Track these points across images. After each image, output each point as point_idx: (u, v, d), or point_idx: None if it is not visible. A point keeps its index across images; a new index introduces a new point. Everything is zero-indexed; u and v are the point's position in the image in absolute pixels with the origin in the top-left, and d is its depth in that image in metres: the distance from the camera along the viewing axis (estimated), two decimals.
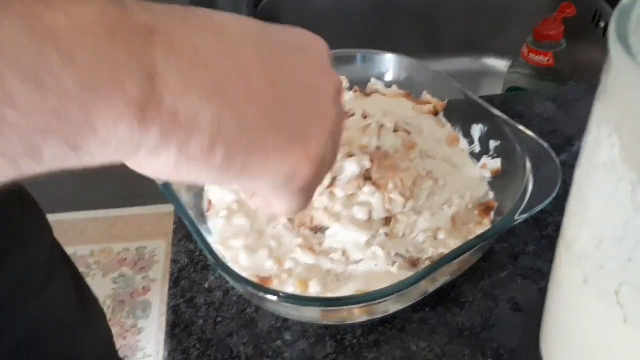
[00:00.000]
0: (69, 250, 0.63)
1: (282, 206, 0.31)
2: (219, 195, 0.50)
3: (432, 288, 0.45)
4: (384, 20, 0.98)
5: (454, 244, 0.45)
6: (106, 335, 0.70)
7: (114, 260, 1.59)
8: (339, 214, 0.47)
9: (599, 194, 0.26)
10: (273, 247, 0.46)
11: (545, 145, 0.47)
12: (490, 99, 0.56)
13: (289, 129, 0.28)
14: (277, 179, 0.28)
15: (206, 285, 0.49)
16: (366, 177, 0.49)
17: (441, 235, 0.47)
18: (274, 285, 0.44)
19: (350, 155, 0.49)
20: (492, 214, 0.49)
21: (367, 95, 0.60)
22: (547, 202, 0.43)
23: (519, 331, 0.45)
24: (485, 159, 0.53)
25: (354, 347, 0.45)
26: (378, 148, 0.52)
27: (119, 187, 1.57)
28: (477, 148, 0.54)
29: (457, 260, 0.41)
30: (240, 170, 0.26)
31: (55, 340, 0.57)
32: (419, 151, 0.53)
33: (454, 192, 0.50)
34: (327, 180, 0.48)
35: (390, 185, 0.47)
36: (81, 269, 0.66)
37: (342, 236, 0.46)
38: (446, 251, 0.44)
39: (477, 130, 0.54)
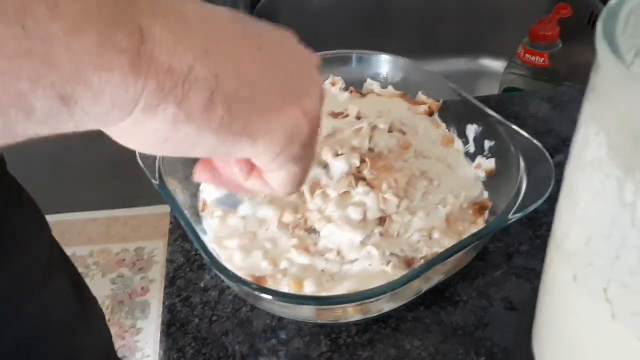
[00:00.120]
0: (68, 250, 0.63)
1: (280, 180, 0.31)
2: (214, 196, 0.50)
3: (426, 287, 0.45)
4: (380, 21, 0.98)
5: (449, 243, 0.45)
6: (105, 336, 0.70)
7: (112, 261, 1.59)
8: (333, 214, 0.47)
9: (587, 191, 0.26)
10: (268, 249, 0.46)
11: (539, 145, 0.47)
12: (485, 99, 0.56)
13: (283, 89, 0.28)
14: (279, 138, 0.28)
15: (202, 285, 0.50)
16: (360, 177, 0.49)
17: (435, 235, 0.47)
18: (269, 285, 0.44)
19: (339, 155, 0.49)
20: (486, 213, 0.49)
21: (363, 95, 0.60)
22: (540, 201, 0.43)
23: (512, 330, 0.45)
24: (479, 159, 0.53)
25: (348, 345, 0.45)
26: (371, 149, 0.52)
27: (118, 187, 1.58)
28: (471, 148, 0.55)
29: (451, 259, 0.41)
30: (241, 129, 0.26)
31: (55, 340, 0.57)
32: (414, 151, 0.53)
33: (449, 191, 0.50)
34: (323, 181, 0.48)
35: (384, 185, 0.48)
36: (80, 270, 0.67)
37: (336, 236, 0.46)
38: (440, 250, 0.44)
39: (471, 130, 0.54)
